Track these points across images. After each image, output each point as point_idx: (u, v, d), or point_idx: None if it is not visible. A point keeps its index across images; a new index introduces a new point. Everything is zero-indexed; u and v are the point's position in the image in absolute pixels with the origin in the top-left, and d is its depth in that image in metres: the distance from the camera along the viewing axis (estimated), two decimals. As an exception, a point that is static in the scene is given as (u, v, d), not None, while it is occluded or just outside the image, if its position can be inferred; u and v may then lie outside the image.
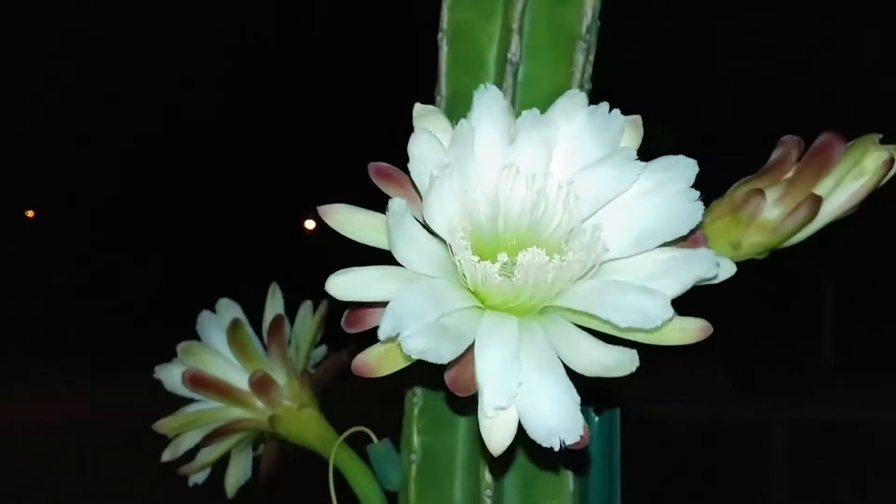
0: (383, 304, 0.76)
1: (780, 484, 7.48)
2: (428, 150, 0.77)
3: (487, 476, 1.05)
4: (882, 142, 1.03)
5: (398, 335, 0.70)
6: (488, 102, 0.80)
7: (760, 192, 1.03)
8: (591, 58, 1.14)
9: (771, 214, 1.03)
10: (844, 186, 1.03)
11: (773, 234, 1.03)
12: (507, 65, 1.07)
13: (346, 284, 0.76)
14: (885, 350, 11.56)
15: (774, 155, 1.06)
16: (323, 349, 1.47)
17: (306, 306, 1.41)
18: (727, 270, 0.79)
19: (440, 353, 0.71)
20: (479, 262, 0.76)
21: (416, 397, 1.12)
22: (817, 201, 1.01)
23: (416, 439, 1.11)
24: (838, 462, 7.80)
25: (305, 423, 1.30)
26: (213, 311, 1.38)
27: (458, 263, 0.77)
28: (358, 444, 1.28)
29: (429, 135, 0.78)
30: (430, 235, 0.78)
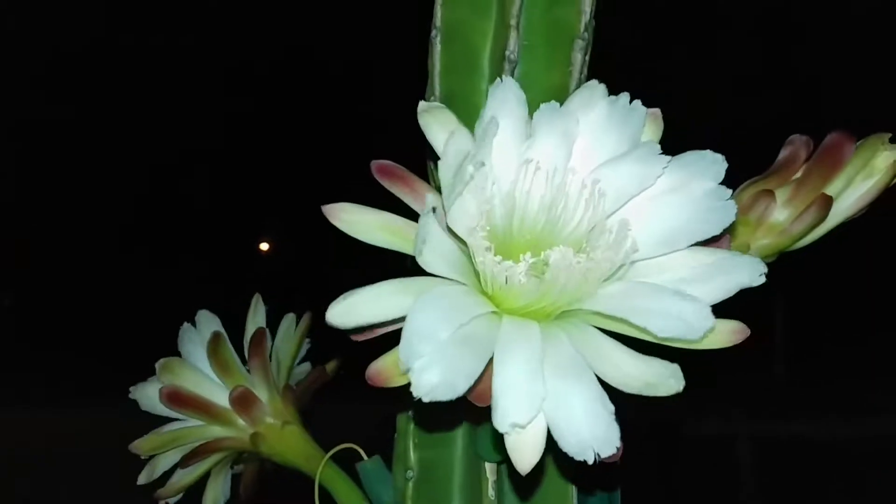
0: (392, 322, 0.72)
1: (744, 494, 7.51)
2: (466, 147, 0.72)
3: (491, 492, 1.00)
4: (892, 141, 1.01)
5: (411, 367, 0.65)
6: (505, 94, 0.76)
7: (770, 194, 0.99)
8: (588, 57, 1.10)
9: (780, 216, 1.00)
10: (855, 186, 1.00)
11: (782, 236, 1.00)
12: (506, 63, 1.03)
13: (345, 312, 0.70)
14: (837, 362, 11.71)
15: (782, 155, 1.03)
16: (307, 366, 1.41)
17: (288, 320, 1.36)
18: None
19: (455, 385, 0.65)
20: (501, 262, 0.71)
21: (412, 411, 1.06)
22: (828, 202, 0.99)
23: (412, 455, 1.05)
24: (795, 473, 7.85)
25: (289, 441, 1.24)
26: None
27: (477, 265, 0.73)
28: (344, 463, 1.23)
29: (468, 134, 0.73)
30: (446, 236, 0.73)
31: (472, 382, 0.66)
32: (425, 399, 0.65)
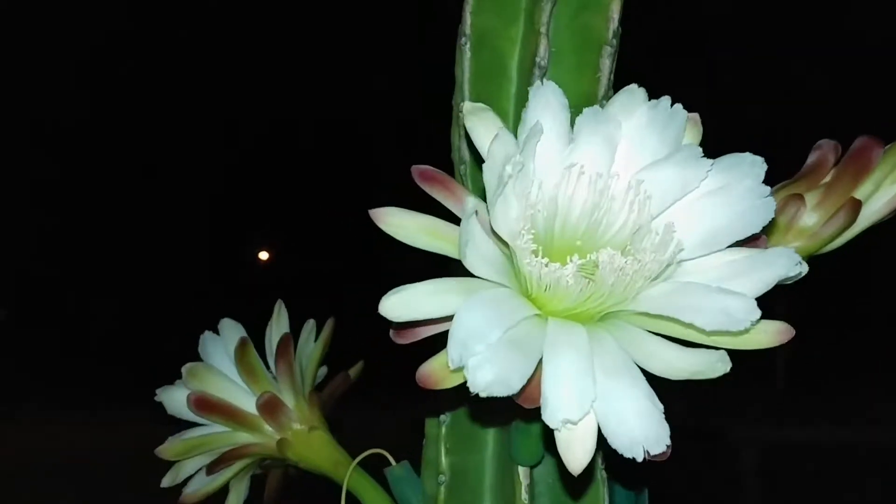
0: (440, 321, 0.72)
1: (745, 498, 7.51)
2: (511, 149, 0.73)
3: (524, 496, 1.01)
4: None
5: (465, 364, 0.66)
6: (547, 97, 0.76)
7: (800, 198, 1.00)
8: (615, 64, 1.11)
9: (810, 220, 1.01)
10: (884, 190, 1.01)
11: (812, 239, 1.01)
12: (536, 69, 1.04)
13: (401, 304, 0.71)
14: (836, 371, 11.72)
15: (810, 159, 1.03)
16: (323, 370, 1.42)
17: (309, 325, 1.36)
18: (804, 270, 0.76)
19: (510, 383, 0.66)
20: (548, 265, 0.72)
21: (443, 416, 1.07)
22: (857, 206, 0.99)
23: (444, 460, 1.06)
24: (795, 477, 7.86)
25: (317, 447, 1.24)
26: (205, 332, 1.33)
27: (521, 268, 0.73)
28: (369, 469, 1.23)
29: (510, 135, 0.74)
30: (488, 238, 0.74)
31: (525, 381, 0.67)
32: (482, 395, 0.65)
